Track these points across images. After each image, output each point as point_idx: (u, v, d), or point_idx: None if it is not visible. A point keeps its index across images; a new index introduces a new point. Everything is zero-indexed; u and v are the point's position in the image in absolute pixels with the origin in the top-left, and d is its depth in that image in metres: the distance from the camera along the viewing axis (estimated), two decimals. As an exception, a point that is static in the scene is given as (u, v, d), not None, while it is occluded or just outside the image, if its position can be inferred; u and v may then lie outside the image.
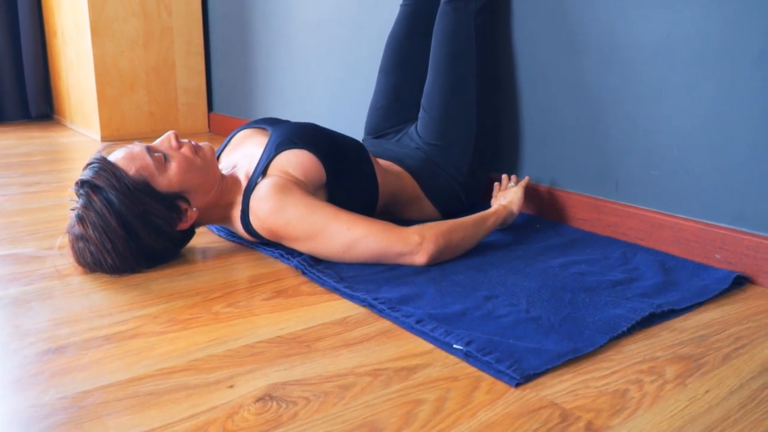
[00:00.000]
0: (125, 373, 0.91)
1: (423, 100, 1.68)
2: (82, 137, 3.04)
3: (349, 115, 2.33)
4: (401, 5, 1.82)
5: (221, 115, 3.14)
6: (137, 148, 1.31)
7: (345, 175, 1.42)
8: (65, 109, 3.35)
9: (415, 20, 1.78)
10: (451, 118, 1.62)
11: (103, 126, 2.90)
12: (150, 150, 1.30)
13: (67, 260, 1.35)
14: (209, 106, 3.23)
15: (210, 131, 3.22)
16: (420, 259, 1.29)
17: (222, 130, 3.12)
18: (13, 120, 3.47)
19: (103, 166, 1.26)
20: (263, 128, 1.55)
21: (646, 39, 1.42)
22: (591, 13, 1.51)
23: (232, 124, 3.03)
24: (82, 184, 1.26)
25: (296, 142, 1.39)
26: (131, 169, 1.27)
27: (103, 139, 2.91)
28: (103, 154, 1.31)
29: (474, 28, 1.61)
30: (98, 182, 1.24)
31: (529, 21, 1.65)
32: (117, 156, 1.30)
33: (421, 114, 1.68)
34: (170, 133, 1.36)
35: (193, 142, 1.37)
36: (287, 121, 1.53)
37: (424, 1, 1.77)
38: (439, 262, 1.32)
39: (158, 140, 1.35)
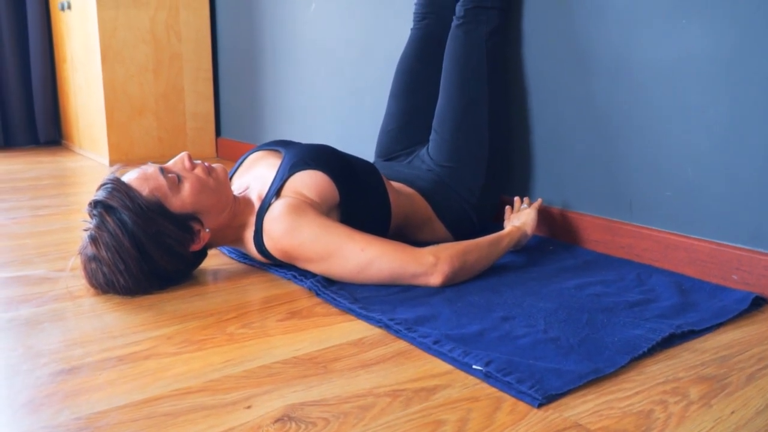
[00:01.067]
0: (140, 394, 0.90)
1: (434, 123, 1.68)
2: (90, 162, 3.05)
3: (357, 139, 2.33)
4: (412, 29, 1.83)
5: (229, 140, 3.15)
6: (151, 168, 1.31)
7: (358, 195, 1.42)
8: (73, 134, 3.37)
9: (425, 43, 1.78)
10: (462, 140, 1.62)
11: (112, 150, 2.91)
12: (164, 171, 1.30)
13: (78, 282, 1.34)
14: (217, 131, 3.24)
15: (218, 156, 3.22)
16: (435, 280, 1.28)
17: (230, 155, 3.13)
18: (21, 145, 3.48)
19: (117, 186, 1.26)
20: (276, 150, 1.54)
21: (658, 59, 1.42)
22: (602, 34, 1.52)
23: (240, 148, 3.04)
24: (95, 204, 1.26)
25: (310, 162, 1.39)
26: (145, 190, 1.27)
27: (112, 163, 2.92)
28: (117, 174, 1.31)
29: (485, 51, 1.62)
30: (112, 203, 1.24)
31: (540, 42, 1.66)
32: (131, 176, 1.30)
33: (432, 136, 1.68)
34: (184, 155, 1.35)
35: (206, 164, 1.37)
36: (300, 143, 1.53)
37: (435, 24, 1.78)
38: (453, 284, 1.31)
39: (172, 161, 1.35)
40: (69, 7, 3.08)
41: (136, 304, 1.24)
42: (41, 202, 2.17)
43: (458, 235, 1.62)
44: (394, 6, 2.10)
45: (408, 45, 1.82)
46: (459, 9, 1.64)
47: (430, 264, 1.28)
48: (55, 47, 3.44)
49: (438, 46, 1.76)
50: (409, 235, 1.60)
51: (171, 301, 1.25)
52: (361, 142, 2.30)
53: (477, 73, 1.61)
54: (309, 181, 1.36)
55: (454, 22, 1.65)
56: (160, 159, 3.03)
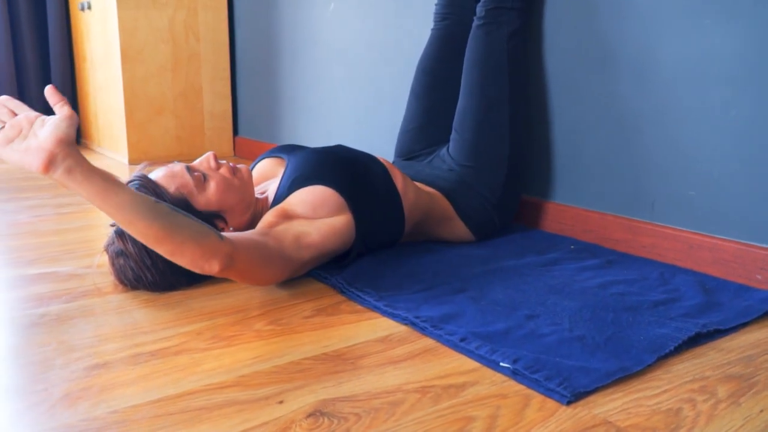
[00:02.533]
0: (174, 389, 0.91)
1: (455, 123, 1.68)
2: (109, 160, 3.07)
3: (375, 138, 2.34)
4: (432, 29, 1.84)
5: (247, 138, 3.17)
6: (177, 167, 1.32)
7: (366, 196, 1.41)
8: (92, 132, 3.40)
9: (446, 43, 1.79)
10: (483, 140, 1.63)
11: (131, 150, 2.93)
12: (190, 169, 1.32)
13: (106, 278, 1.36)
14: (235, 130, 3.26)
15: (235, 155, 3.24)
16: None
17: (247, 153, 3.15)
18: (41, 144, 3.51)
19: (144, 183, 1.28)
20: (281, 157, 1.57)
21: (682, 59, 1.42)
22: (624, 34, 1.52)
23: (258, 147, 3.05)
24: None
25: (310, 177, 1.38)
26: (171, 187, 1.28)
27: (131, 162, 2.94)
28: (144, 172, 1.33)
29: (506, 51, 1.62)
30: (139, 200, 1.25)
31: (561, 42, 1.66)
32: (157, 174, 1.31)
33: (453, 136, 1.69)
34: (209, 154, 1.37)
35: (231, 164, 1.38)
36: (304, 150, 1.52)
37: (455, 25, 1.79)
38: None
39: (197, 160, 1.37)
40: (89, 7, 3.11)
41: (163, 301, 1.25)
42: (64, 200, 2.19)
43: (480, 234, 1.63)
44: (412, 6, 2.10)
45: (428, 45, 1.83)
46: (480, 9, 1.65)
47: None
48: (75, 47, 3.47)
49: (458, 46, 1.77)
50: (430, 233, 1.61)
51: (198, 298, 1.27)
52: (379, 142, 2.31)
53: (498, 73, 1.62)
54: (306, 197, 1.36)
55: (475, 23, 1.66)
56: (179, 158, 3.05)
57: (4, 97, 1.31)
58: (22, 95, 3.44)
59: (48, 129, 0.97)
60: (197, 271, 1.08)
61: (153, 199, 1.04)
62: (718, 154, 1.38)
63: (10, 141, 0.98)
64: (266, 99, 2.98)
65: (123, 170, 2.81)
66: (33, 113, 1.01)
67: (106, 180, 1.01)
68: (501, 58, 1.62)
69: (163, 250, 1.05)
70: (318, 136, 2.67)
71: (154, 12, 2.87)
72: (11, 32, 3.34)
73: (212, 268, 1.07)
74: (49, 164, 0.97)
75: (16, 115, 1.02)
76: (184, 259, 1.06)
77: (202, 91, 3.07)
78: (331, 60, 2.54)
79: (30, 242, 1.66)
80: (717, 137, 1.38)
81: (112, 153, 3.13)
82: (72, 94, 3.55)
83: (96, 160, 3.06)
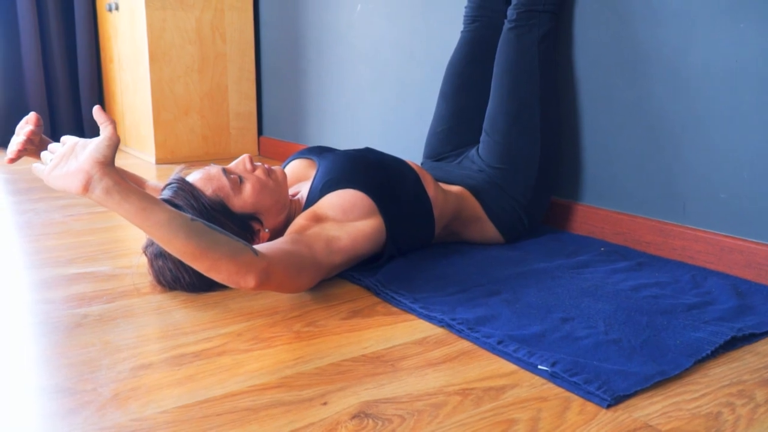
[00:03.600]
0: (220, 389, 0.94)
1: (485, 124, 1.69)
2: (136, 160, 3.11)
3: (401, 139, 2.35)
4: (462, 31, 1.85)
5: (271, 138, 3.19)
6: (214, 169, 1.35)
7: (397, 199, 1.42)
8: (119, 132, 3.44)
9: (475, 46, 1.80)
10: (514, 143, 1.64)
11: (158, 149, 2.97)
12: (226, 172, 1.34)
13: (144, 279, 1.39)
14: (259, 130, 3.29)
15: (260, 154, 3.27)
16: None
17: (272, 153, 3.17)
18: (68, 143, 3.56)
19: (182, 186, 1.30)
20: (311, 159, 1.59)
21: (714, 62, 1.42)
22: (657, 36, 1.53)
23: (282, 147, 3.08)
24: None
25: (341, 181, 1.40)
26: (208, 190, 1.31)
27: (158, 161, 2.98)
28: (181, 175, 1.35)
29: (537, 54, 1.63)
30: (177, 201, 1.28)
31: (592, 44, 1.67)
32: (195, 177, 1.34)
33: (483, 137, 1.70)
34: (245, 156, 1.39)
35: (266, 165, 1.40)
36: (335, 152, 1.54)
37: (485, 27, 1.79)
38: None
39: (233, 163, 1.39)
40: (117, 8, 3.15)
41: (201, 301, 1.28)
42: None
43: (509, 236, 1.64)
44: (440, 9, 2.12)
45: (458, 47, 1.84)
46: (511, 12, 1.66)
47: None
48: (102, 47, 3.52)
49: (488, 48, 1.78)
50: (459, 234, 1.62)
51: (235, 299, 1.29)
52: (406, 144, 2.32)
53: (529, 76, 1.63)
54: (337, 201, 1.37)
55: (506, 26, 1.67)
56: (205, 157, 3.08)
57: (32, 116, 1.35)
58: (50, 95, 3.48)
59: (87, 151, 1.02)
60: (233, 286, 1.10)
61: (189, 216, 1.07)
62: (749, 157, 1.38)
63: (56, 166, 1.03)
64: (291, 99, 3.01)
65: (150, 170, 2.84)
66: (78, 139, 1.06)
67: (143, 199, 1.04)
68: (532, 61, 1.63)
69: (199, 267, 1.08)
70: (343, 137, 2.69)
71: (181, 13, 2.91)
72: (40, 33, 3.39)
73: (248, 283, 1.09)
74: (87, 185, 1.01)
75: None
76: (221, 275, 1.08)
77: (227, 91, 3.10)
78: (357, 60, 2.55)
79: (66, 242, 1.69)
80: (749, 140, 1.38)
81: (139, 153, 3.17)
82: (99, 94, 3.60)
83: (123, 160, 3.10)
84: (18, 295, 1.31)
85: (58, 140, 3.49)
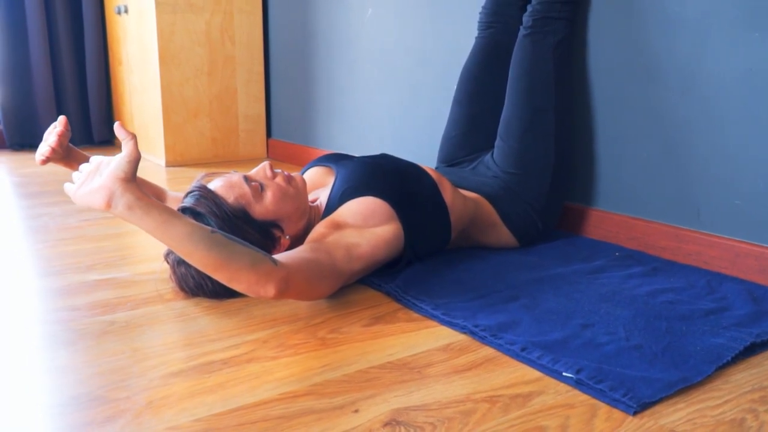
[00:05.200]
0: (251, 397, 0.95)
1: (500, 130, 1.71)
2: (146, 162, 3.12)
3: (412, 143, 2.37)
4: (477, 37, 1.86)
5: (280, 140, 3.21)
6: (235, 177, 1.36)
7: (414, 205, 1.44)
8: (127, 134, 3.45)
9: (490, 51, 1.82)
10: (529, 149, 1.65)
11: (168, 152, 2.98)
12: (247, 179, 1.35)
13: (165, 284, 1.40)
14: (268, 132, 3.30)
15: (269, 156, 3.28)
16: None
17: (280, 155, 3.19)
18: (77, 145, 3.57)
19: (204, 194, 1.32)
20: (329, 167, 1.60)
21: (729, 72, 1.44)
22: (671, 44, 1.54)
23: (291, 149, 3.09)
24: (183, 210, 1.31)
25: (360, 188, 1.42)
26: (230, 197, 1.32)
27: (168, 164, 2.99)
28: (202, 182, 1.37)
29: (552, 61, 1.64)
30: (200, 209, 1.29)
31: (607, 51, 1.68)
32: (216, 185, 1.35)
33: (498, 143, 1.71)
34: (265, 164, 1.41)
35: (285, 173, 1.42)
36: (353, 159, 1.56)
37: (500, 33, 1.81)
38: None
39: (254, 170, 1.41)
40: (126, 11, 3.16)
41: (224, 308, 1.29)
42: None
43: (524, 240, 1.66)
44: (452, 14, 2.13)
45: (472, 53, 1.85)
46: (527, 19, 1.67)
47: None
48: (110, 49, 3.53)
49: (503, 54, 1.79)
50: (475, 238, 1.64)
51: (258, 305, 1.31)
52: (417, 148, 2.34)
53: (544, 82, 1.65)
54: (356, 208, 1.39)
55: (522, 32, 1.69)
56: (214, 159, 3.10)
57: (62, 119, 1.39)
58: (58, 97, 3.50)
59: (109, 168, 1.06)
60: (254, 296, 1.13)
61: (209, 228, 1.10)
62: (764, 165, 1.40)
63: (82, 185, 1.08)
64: (300, 101, 3.02)
65: (160, 172, 2.86)
66: (103, 158, 1.10)
67: (164, 213, 1.07)
68: (547, 68, 1.64)
69: (220, 278, 1.10)
70: (353, 139, 2.70)
71: (191, 16, 2.92)
72: (48, 36, 3.40)
73: (268, 293, 1.11)
74: (110, 201, 1.05)
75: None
76: (241, 285, 1.10)
77: (236, 93, 3.12)
78: (367, 63, 2.56)
79: (84, 247, 1.71)
80: (763, 149, 1.40)
81: (148, 155, 3.18)
82: (107, 95, 3.61)
83: (133, 162, 3.11)
84: (43, 302, 1.32)
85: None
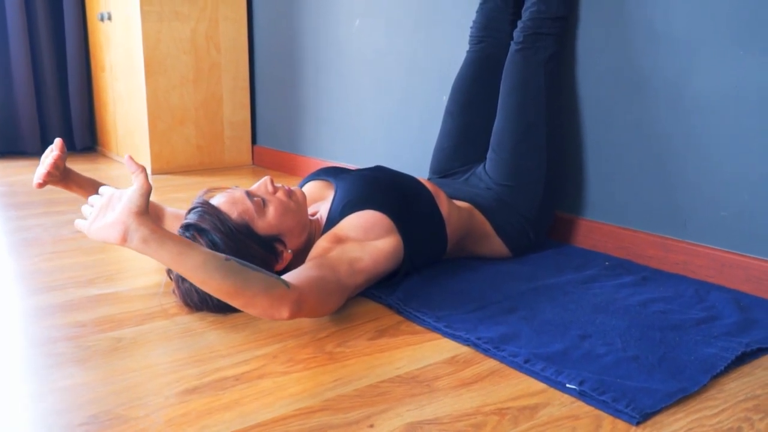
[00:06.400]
0: (267, 413, 0.98)
1: (492, 142, 1.75)
2: (131, 170, 3.12)
3: (402, 152, 2.40)
4: (468, 51, 1.90)
5: (265, 147, 3.22)
6: (238, 192, 1.38)
7: (412, 219, 1.48)
8: (111, 141, 3.44)
9: (481, 65, 1.86)
10: (521, 161, 1.70)
11: (154, 159, 2.98)
12: (250, 195, 1.38)
13: (169, 299, 1.42)
14: (253, 139, 3.32)
15: (254, 163, 3.30)
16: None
17: (265, 162, 3.20)
18: (58, 152, 3.55)
19: (208, 210, 1.34)
20: (328, 181, 1.63)
21: (714, 86, 1.49)
22: (658, 59, 1.59)
23: (276, 156, 3.11)
24: (187, 227, 1.33)
25: (359, 203, 1.45)
26: (234, 213, 1.34)
27: (154, 172, 2.99)
28: (205, 198, 1.39)
29: (543, 75, 1.69)
30: (204, 225, 1.31)
31: (596, 66, 1.73)
32: (219, 200, 1.37)
33: (490, 155, 1.76)
34: (266, 179, 1.43)
35: (286, 187, 1.44)
36: (351, 173, 1.58)
37: (491, 47, 1.85)
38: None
39: (255, 185, 1.43)
40: (110, 18, 3.15)
41: (230, 322, 1.31)
42: (99, 213, 2.24)
43: (516, 250, 1.70)
44: (440, 25, 2.17)
45: (464, 66, 1.89)
46: (518, 35, 1.72)
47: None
48: (92, 56, 3.51)
49: (494, 67, 1.83)
50: (469, 249, 1.68)
51: (262, 319, 1.33)
52: (408, 157, 2.37)
53: (536, 97, 1.69)
54: (357, 222, 1.42)
55: (513, 47, 1.73)
56: (200, 167, 3.10)
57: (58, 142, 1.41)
58: (39, 103, 3.47)
59: (121, 203, 1.09)
60: (268, 319, 1.15)
61: (223, 256, 1.12)
62: (749, 178, 1.46)
63: (95, 219, 1.11)
64: (286, 109, 3.04)
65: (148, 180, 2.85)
66: (114, 190, 1.13)
67: (179, 244, 1.10)
68: (538, 82, 1.69)
69: (235, 304, 1.13)
70: (342, 148, 2.73)
71: (176, 24, 2.92)
72: (29, 41, 3.38)
73: (282, 315, 1.14)
74: (125, 236, 1.08)
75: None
76: (256, 310, 1.13)
77: (222, 100, 3.13)
78: (356, 72, 2.59)
79: (81, 261, 1.71)
80: (748, 162, 1.45)
81: (133, 162, 3.18)
82: (89, 102, 3.59)
83: (119, 170, 3.11)
84: (47, 318, 1.33)
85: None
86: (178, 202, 2.32)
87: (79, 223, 1.15)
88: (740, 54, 1.44)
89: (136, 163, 1.10)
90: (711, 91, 1.50)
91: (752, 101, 1.44)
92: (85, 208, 1.16)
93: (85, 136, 3.60)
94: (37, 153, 3.47)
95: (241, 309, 1.15)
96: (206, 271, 1.09)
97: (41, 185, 1.50)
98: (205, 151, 3.13)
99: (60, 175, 1.53)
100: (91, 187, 1.59)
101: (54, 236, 1.95)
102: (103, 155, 3.58)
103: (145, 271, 1.63)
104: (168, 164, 3.02)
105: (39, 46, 3.42)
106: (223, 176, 3.00)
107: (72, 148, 3.61)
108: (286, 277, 1.19)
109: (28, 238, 1.92)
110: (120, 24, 3.06)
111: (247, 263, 1.14)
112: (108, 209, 1.10)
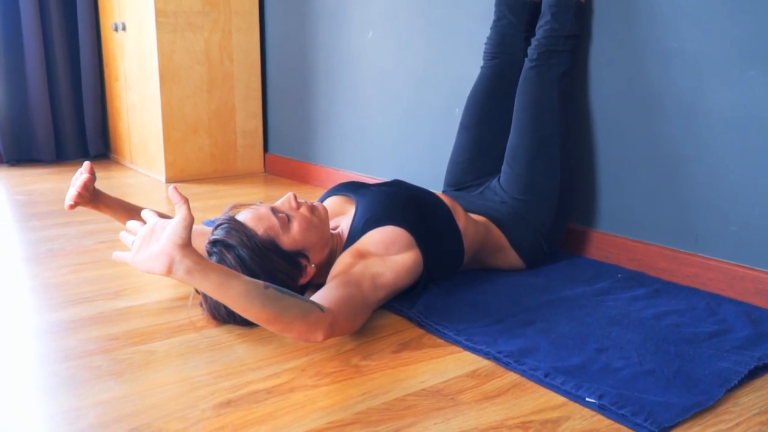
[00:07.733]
0: (300, 427, 1.02)
1: (507, 156, 1.80)
2: (145, 178, 3.17)
3: (414, 165, 2.44)
4: (482, 67, 1.95)
5: (277, 155, 3.27)
6: (263, 209, 1.43)
7: (431, 232, 1.52)
8: (124, 149, 3.49)
9: (496, 81, 1.90)
10: (536, 175, 1.74)
11: (168, 167, 3.03)
12: (275, 211, 1.42)
13: (197, 311, 1.46)
14: (265, 147, 3.36)
15: (265, 171, 3.34)
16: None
17: (277, 170, 3.25)
18: (72, 159, 3.61)
19: (234, 226, 1.38)
20: (348, 196, 1.67)
21: (725, 106, 1.54)
22: (670, 78, 1.64)
23: (288, 164, 3.16)
24: (215, 243, 1.38)
25: (382, 218, 1.50)
26: (260, 229, 1.39)
27: (168, 180, 3.04)
28: (231, 214, 1.43)
29: (557, 91, 1.73)
30: (231, 241, 1.36)
31: (608, 82, 1.77)
32: (245, 217, 1.41)
33: (505, 169, 1.80)
34: (290, 195, 1.47)
35: (309, 203, 1.49)
36: (371, 189, 1.63)
37: (505, 63, 1.90)
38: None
39: (279, 201, 1.47)
40: (124, 28, 3.20)
41: (256, 335, 1.36)
42: (117, 224, 2.28)
43: (530, 263, 1.74)
44: (452, 40, 2.21)
45: (478, 82, 1.94)
46: (532, 52, 1.76)
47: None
48: (106, 65, 3.56)
49: (508, 82, 1.88)
50: (484, 261, 1.72)
51: (288, 332, 1.37)
52: (419, 169, 2.41)
53: (550, 112, 1.73)
54: (378, 238, 1.47)
55: (527, 64, 1.77)
56: (212, 175, 3.15)
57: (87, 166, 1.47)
58: (54, 113, 3.52)
59: (166, 234, 1.12)
60: (303, 342, 1.21)
61: (262, 284, 1.17)
62: (759, 193, 1.50)
63: (139, 250, 1.14)
64: (298, 118, 3.09)
65: (160, 188, 2.90)
66: (157, 219, 1.16)
67: (222, 275, 1.14)
68: (552, 98, 1.73)
69: (273, 329, 1.18)
70: (353, 158, 2.77)
71: (190, 35, 2.97)
72: (44, 52, 3.43)
73: (317, 338, 1.19)
74: (171, 267, 1.11)
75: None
76: (292, 334, 1.19)
77: (235, 109, 3.17)
78: (368, 83, 2.64)
79: (107, 272, 1.76)
80: (758, 178, 1.50)
81: (148, 171, 3.23)
82: (102, 111, 3.65)
83: (132, 179, 3.16)
84: (81, 331, 1.37)
85: (64, 158, 3.53)
86: (193, 211, 2.37)
87: (119, 256, 1.20)
88: (751, 74, 1.49)
89: (180, 195, 1.13)
90: (721, 109, 1.55)
91: (763, 119, 1.48)
92: (126, 237, 1.20)
93: (99, 143, 3.65)
94: (52, 161, 3.52)
95: (279, 333, 1.20)
96: (248, 300, 1.14)
97: (72, 207, 1.55)
98: (218, 160, 3.18)
99: (90, 197, 1.58)
100: (120, 207, 1.64)
101: (77, 247, 1.99)
102: (117, 162, 3.63)
103: (171, 283, 1.67)
104: (182, 172, 3.07)
105: (53, 56, 3.47)
106: (236, 184, 3.04)
107: (86, 155, 3.67)
108: (315, 298, 1.23)
109: (53, 249, 1.96)
110: (134, 34, 3.11)
111: (284, 289, 1.19)
112: (152, 239, 1.13)
